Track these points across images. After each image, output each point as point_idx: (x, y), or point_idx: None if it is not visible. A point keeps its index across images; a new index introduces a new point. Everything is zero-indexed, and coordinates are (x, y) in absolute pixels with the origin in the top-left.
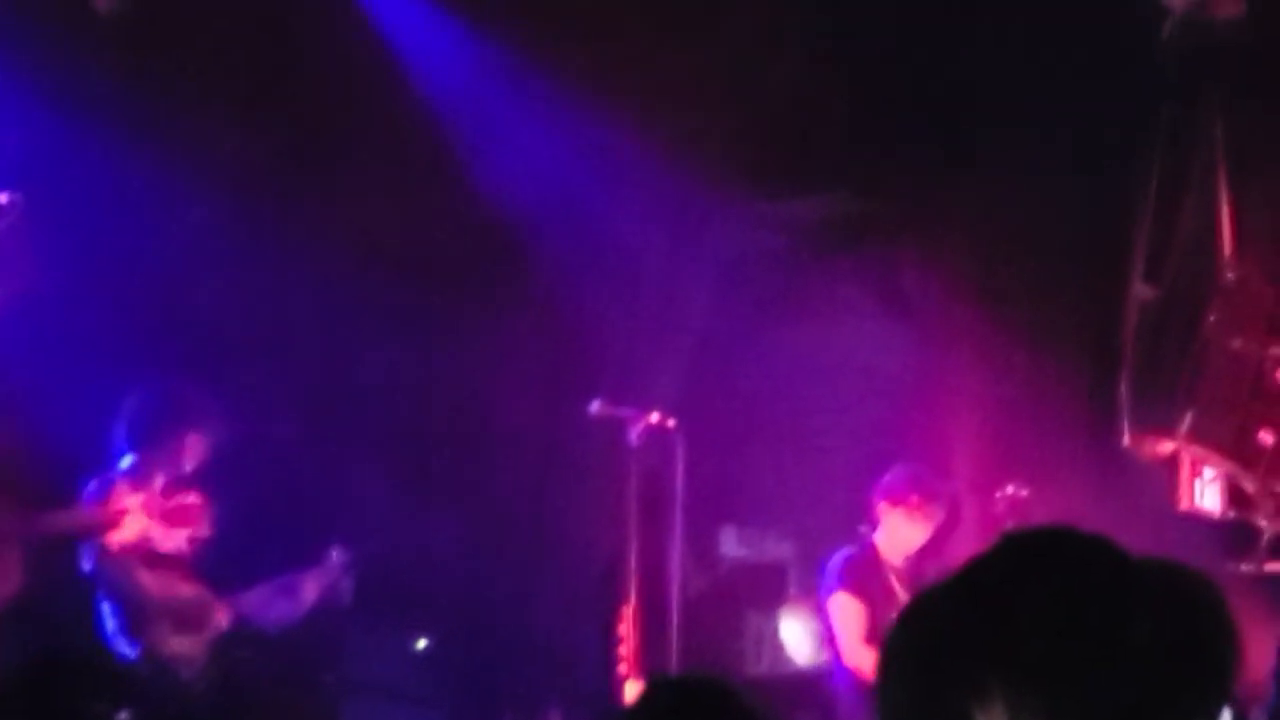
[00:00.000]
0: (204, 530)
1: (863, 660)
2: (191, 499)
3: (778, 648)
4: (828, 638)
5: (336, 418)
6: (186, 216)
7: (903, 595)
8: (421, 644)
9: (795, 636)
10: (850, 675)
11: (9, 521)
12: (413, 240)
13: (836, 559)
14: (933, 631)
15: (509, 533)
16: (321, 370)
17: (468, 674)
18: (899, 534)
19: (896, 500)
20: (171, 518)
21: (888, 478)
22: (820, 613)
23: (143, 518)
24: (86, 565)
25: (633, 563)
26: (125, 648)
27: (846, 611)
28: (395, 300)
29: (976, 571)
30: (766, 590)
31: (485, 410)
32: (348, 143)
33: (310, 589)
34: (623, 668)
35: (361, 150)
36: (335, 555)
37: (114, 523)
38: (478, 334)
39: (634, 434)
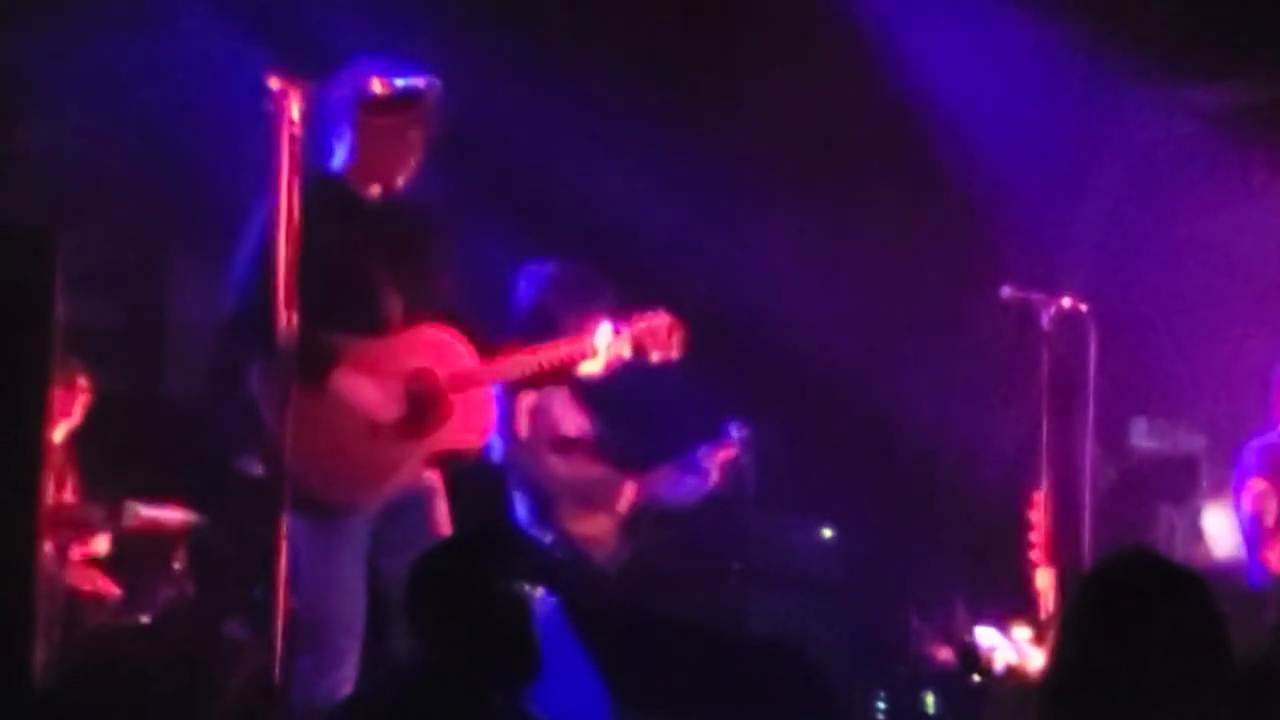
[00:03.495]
0: (674, 353)
1: (1270, 550)
2: (660, 319)
3: (1190, 541)
4: (1241, 527)
5: (739, 294)
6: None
7: None
8: (827, 534)
9: (1219, 528)
10: (1260, 566)
11: (474, 372)
12: (823, 123)
13: (1253, 446)
14: None
15: (917, 419)
16: (725, 250)
17: (872, 564)
18: None
19: None
20: (643, 340)
21: None
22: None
23: (619, 343)
24: (495, 454)
25: (1044, 450)
26: (538, 532)
27: (1260, 500)
28: (804, 185)
29: None
30: (1178, 483)
31: (893, 294)
32: (756, 20)
33: (713, 465)
34: (1034, 555)
35: (772, 28)
36: (734, 431)
37: (587, 354)
38: (886, 218)
39: (1045, 318)
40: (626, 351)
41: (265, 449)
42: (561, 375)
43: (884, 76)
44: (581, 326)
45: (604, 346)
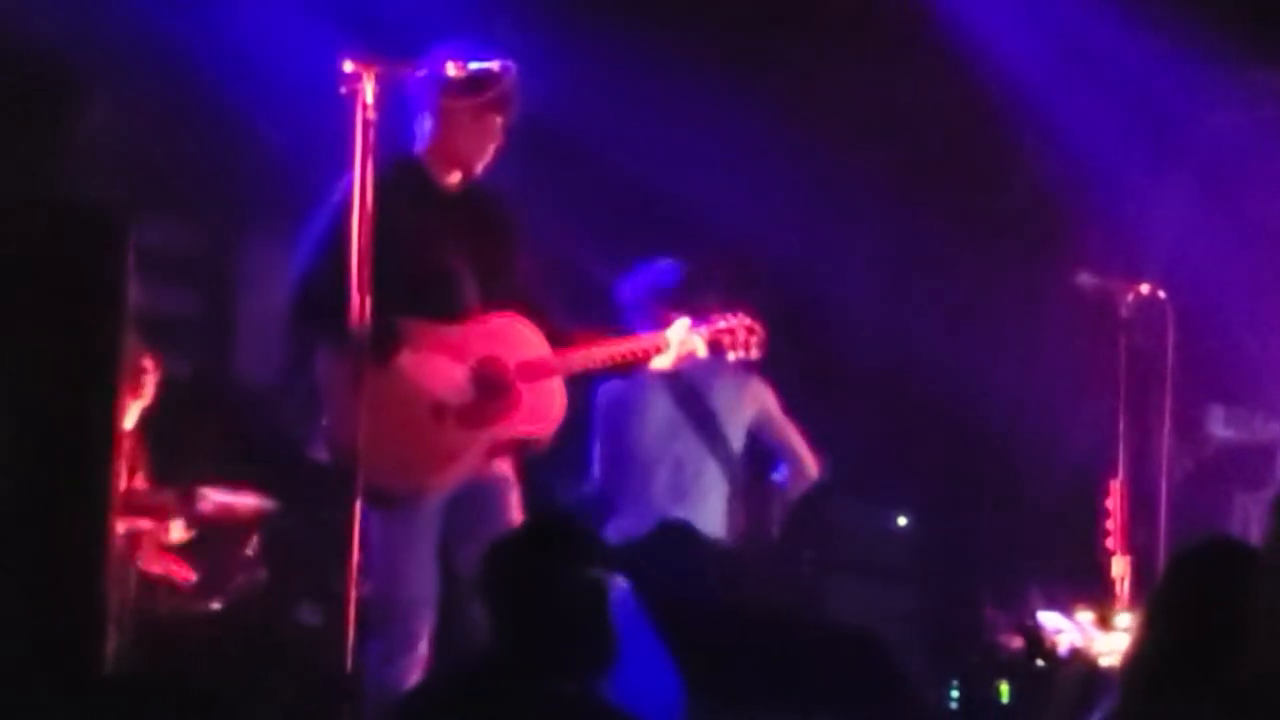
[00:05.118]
0: (756, 352)
1: None
2: (740, 320)
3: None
4: None
5: (817, 302)
6: (670, 98)
7: None
8: (902, 522)
9: None
10: None
11: (544, 362)
12: (902, 110)
13: None
14: None
15: (992, 405)
16: (804, 238)
17: (947, 552)
18: None
19: None
20: (719, 339)
21: None
22: None
23: (692, 340)
24: None
25: (1121, 438)
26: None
27: None
28: (881, 172)
29: None
30: (1255, 472)
31: (970, 281)
32: (833, 8)
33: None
34: (1110, 544)
35: (848, 16)
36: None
37: (658, 349)
38: (964, 205)
39: (1123, 305)
40: (701, 350)
41: (328, 435)
42: (632, 368)
43: (961, 64)
44: (664, 321)
45: (675, 342)
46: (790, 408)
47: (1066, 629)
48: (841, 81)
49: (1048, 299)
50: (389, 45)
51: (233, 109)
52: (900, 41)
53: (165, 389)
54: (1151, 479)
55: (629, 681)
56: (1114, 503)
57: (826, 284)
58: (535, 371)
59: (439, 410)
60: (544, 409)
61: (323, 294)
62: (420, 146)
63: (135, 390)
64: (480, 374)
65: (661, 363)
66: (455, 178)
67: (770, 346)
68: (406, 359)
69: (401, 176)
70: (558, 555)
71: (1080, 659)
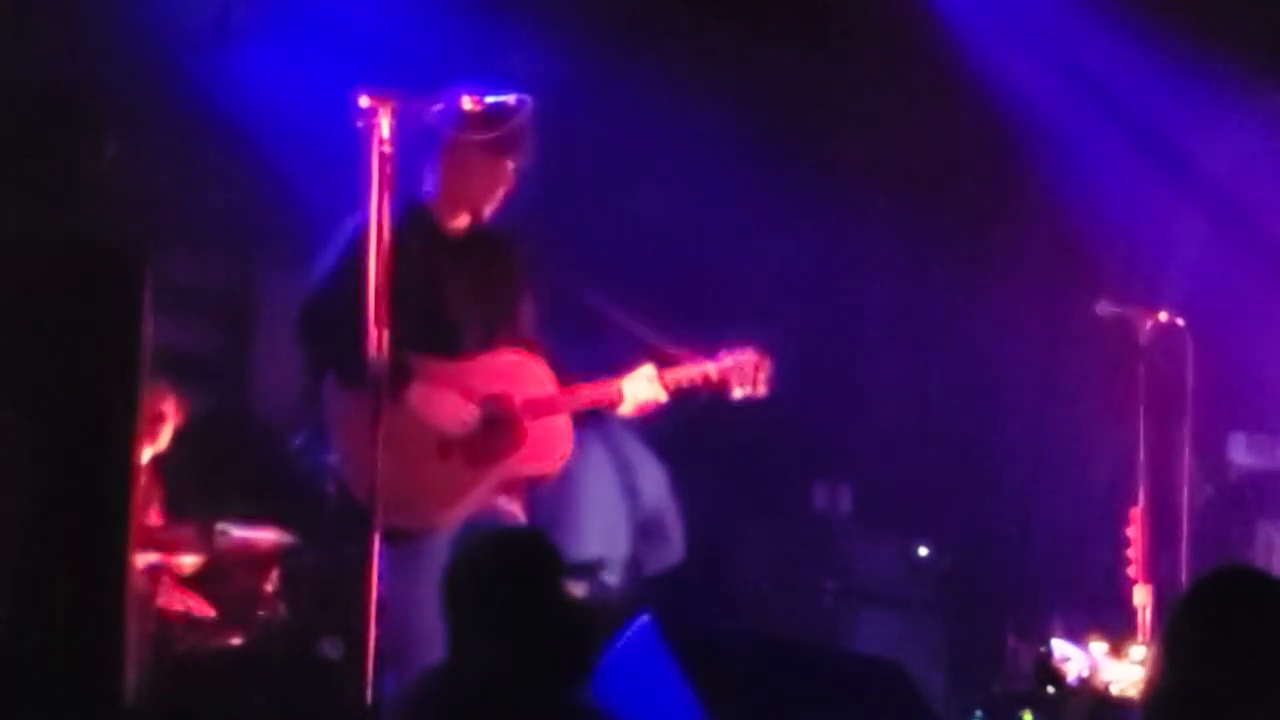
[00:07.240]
0: (763, 389)
1: None
2: (747, 355)
3: None
4: None
5: (839, 334)
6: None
7: None
8: (923, 551)
9: None
10: None
11: (551, 399)
12: (923, 142)
13: None
14: None
15: (1012, 435)
16: (824, 287)
17: (969, 582)
18: None
19: None
20: (726, 376)
21: None
22: None
23: (651, 388)
24: None
25: (1142, 465)
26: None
27: None
28: (902, 203)
29: None
30: (1276, 500)
31: (989, 311)
32: (857, 42)
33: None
34: (1131, 572)
35: (871, 50)
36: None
37: (619, 398)
38: (985, 234)
39: (1142, 333)
40: (663, 397)
41: (337, 470)
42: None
43: (980, 97)
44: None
45: (630, 393)
46: (812, 440)
47: (1075, 657)
48: (863, 115)
49: (1068, 327)
50: (406, 80)
51: (250, 145)
52: (922, 77)
53: (185, 424)
54: (1173, 507)
55: (648, 713)
56: (1135, 531)
57: (848, 317)
58: (542, 408)
59: (446, 446)
60: (550, 445)
61: (327, 320)
62: (429, 190)
63: (152, 435)
64: (488, 410)
65: (625, 409)
66: (463, 221)
67: (791, 379)
68: (415, 395)
69: (409, 223)
70: (525, 568)
71: (1088, 687)
